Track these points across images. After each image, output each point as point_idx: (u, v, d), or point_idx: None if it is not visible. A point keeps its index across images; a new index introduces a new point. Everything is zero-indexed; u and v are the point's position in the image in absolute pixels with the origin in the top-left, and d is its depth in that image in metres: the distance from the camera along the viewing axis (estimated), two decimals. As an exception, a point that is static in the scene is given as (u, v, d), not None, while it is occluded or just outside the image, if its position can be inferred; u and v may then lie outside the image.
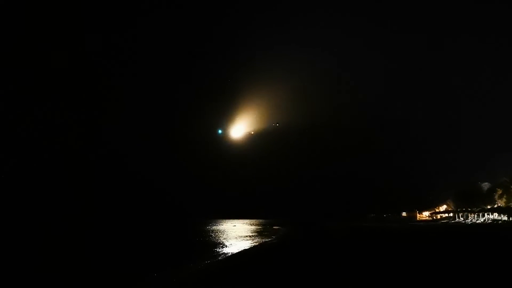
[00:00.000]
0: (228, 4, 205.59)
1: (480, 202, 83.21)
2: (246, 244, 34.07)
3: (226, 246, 32.79)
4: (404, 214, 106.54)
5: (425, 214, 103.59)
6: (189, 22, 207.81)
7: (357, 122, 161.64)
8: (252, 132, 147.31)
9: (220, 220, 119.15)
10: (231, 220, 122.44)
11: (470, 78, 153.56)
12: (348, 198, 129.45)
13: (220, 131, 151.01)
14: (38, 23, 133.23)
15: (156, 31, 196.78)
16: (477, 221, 74.90)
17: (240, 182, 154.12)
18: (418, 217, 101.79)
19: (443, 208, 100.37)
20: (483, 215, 79.68)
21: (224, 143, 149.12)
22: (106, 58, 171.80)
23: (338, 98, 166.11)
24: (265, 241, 37.68)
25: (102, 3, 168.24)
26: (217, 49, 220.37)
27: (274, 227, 72.52)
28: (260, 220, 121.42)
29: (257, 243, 35.19)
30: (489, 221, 71.26)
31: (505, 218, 72.16)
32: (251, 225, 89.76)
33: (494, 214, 77.47)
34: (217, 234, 51.79)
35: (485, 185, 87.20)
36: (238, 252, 27.33)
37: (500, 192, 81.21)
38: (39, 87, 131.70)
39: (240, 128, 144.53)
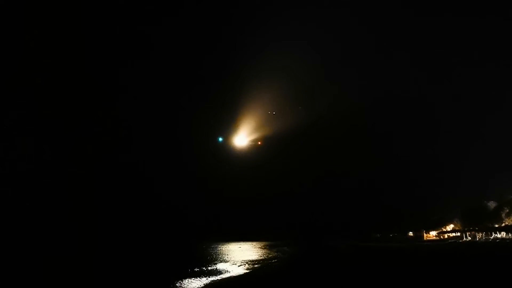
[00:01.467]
0: (227, 7, 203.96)
1: (487, 221, 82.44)
2: (247, 267, 34.22)
3: (228, 271, 32.91)
4: (410, 234, 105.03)
5: (432, 234, 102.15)
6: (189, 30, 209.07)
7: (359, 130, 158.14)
8: (260, 142, 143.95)
9: (225, 242, 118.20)
10: (236, 242, 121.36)
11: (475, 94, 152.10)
12: (353, 214, 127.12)
13: (220, 139, 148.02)
14: (40, 24, 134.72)
15: (157, 38, 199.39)
16: (485, 241, 73.95)
17: (243, 199, 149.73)
18: (425, 236, 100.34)
19: (450, 227, 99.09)
20: (491, 234, 78.75)
21: (225, 152, 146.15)
22: (109, 62, 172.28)
23: (338, 104, 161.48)
24: (268, 264, 37.73)
25: (107, 8, 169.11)
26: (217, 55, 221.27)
27: (284, 248, 71.87)
28: (268, 242, 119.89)
29: (257, 268, 35.26)
30: (498, 240, 70.35)
31: (514, 236, 71.38)
32: (257, 247, 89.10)
33: (502, 233, 76.57)
34: (220, 255, 51.78)
35: (492, 204, 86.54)
36: (239, 275, 27.55)
37: (507, 210, 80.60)
38: (48, 92, 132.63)
39: (242, 136, 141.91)
